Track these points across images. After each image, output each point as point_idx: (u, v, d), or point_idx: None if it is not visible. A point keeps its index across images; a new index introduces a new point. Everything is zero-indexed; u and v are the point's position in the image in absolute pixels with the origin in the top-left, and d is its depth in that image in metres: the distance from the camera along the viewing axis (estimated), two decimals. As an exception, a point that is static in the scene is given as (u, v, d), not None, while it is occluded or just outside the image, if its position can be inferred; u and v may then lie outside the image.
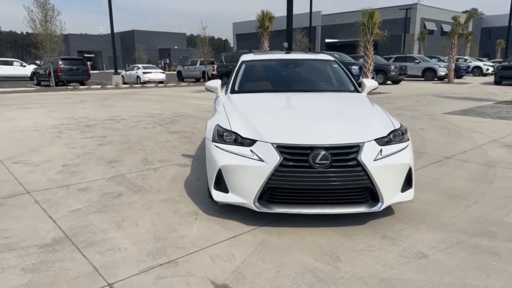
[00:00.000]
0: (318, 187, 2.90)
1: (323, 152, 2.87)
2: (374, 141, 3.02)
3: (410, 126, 7.33)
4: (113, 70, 25.71)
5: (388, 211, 3.40)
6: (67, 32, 64.21)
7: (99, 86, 21.42)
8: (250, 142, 3.05)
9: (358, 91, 4.35)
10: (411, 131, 4.43)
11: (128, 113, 10.10)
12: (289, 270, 2.48)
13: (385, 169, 2.96)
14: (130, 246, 2.79)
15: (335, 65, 4.82)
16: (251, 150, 3.00)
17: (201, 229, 3.09)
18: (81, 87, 20.83)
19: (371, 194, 3.00)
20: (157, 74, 25.03)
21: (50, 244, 2.81)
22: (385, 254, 2.68)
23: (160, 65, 48.14)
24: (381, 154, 2.99)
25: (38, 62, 30.90)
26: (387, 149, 3.05)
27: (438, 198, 3.78)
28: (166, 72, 30.27)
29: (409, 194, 3.20)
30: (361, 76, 16.78)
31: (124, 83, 25.69)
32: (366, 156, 2.91)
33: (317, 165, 2.86)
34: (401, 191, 3.12)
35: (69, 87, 20.27)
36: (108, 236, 2.94)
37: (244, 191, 3.01)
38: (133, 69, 26.80)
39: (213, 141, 3.24)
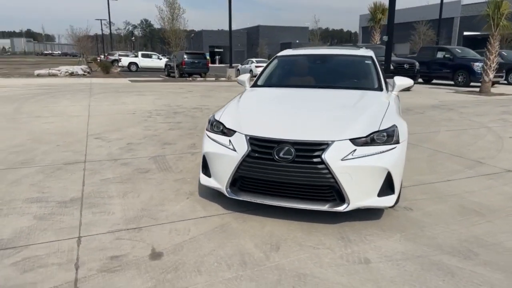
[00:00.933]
0: (281, 180, 2.98)
1: (287, 147, 2.94)
2: (348, 141, 2.94)
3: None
4: (238, 64, 27.67)
5: (375, 215, 3.25)
6: (202, 28, 71.20)
7: (213, 79, 23.40)
8: (232, 133, 3.28)
9: (381, 89, 4.11)
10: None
11: (217, 104, 10.99)
12: (223, 251, 2.68)
13: (353, 170, 2.87)
14: (118, 212, 3.32)
15: (368, 61, 4.59)
16: (229, 140, 3.23)
17: (184, 207, 3.46)
18: (199, 78, 23.09)
19: (337, 193, 2.94)
20: (268, 68, 26.07)
21: (66, 202, 3.53)
22: (327, 254, 2.65)
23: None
24: (352, 154, 2.90)
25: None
26: (364, 150, 2.93)
27: (448, 210, 3.41)
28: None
29: (389, 200, 3.01)
30: (481, 74, 14.79)
31: (241, 76, 27.51)
32: (332, 155, 2.87)
33: (280, 159, 2.94)
34: (377, 195, 2.96)
35: (188, 78, 22.67)
36: (109, 202, 3.54)
37: (220, 177, 3.27)
38: (247, 63, 28.43)
39: (206, 129, 3.57)
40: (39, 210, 3.34)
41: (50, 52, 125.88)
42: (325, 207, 2.97)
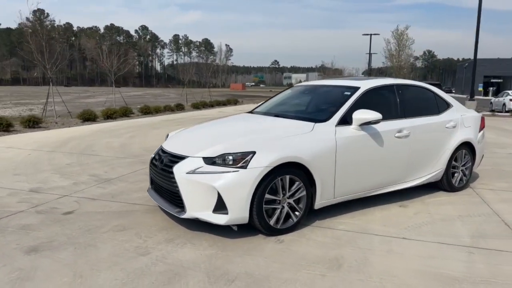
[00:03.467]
0: (159, 183, 3.78)
1: (164, 157, 3.74)
2: (200, 158, 3.41)
3: None
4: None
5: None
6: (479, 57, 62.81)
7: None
8: None
9: (323, 121, 3.88)
10: None
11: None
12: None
13: (191, 184, 3.31)
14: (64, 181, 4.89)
15: (348, 93, 4.24)
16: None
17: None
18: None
19: (180, 201, 3.43)
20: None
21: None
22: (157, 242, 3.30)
23: None
24: (196, 170, 3.34)
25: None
26: (209, 168, 3.33)
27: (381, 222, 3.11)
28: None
29: (221, 218, 3.24)
30: None
31: (492, 110, 23.58)
32: (181, 168, 3.43)
33: (158, 165, 3.77)
34: (212, 211, 3.27)
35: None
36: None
37: None
38: (502, 95, 23.96)
39: None
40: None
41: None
42: (174, 211, 3.52)
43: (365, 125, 3.95)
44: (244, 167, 3.25)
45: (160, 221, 3.76)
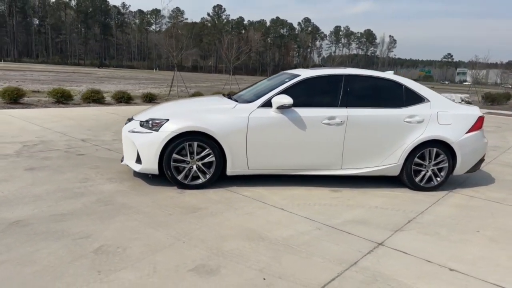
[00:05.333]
0: None
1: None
2: (138, 121, 4.47)
3: None
4: None
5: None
6: None
7: None
8: None
9: (249, 103, 4.59)
10: None
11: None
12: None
13: (127, 139, 4.44)
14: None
15: (287, 80, 4.72)
16: None
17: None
18: None
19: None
20: None
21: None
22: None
23: None
24: (133, 130, 4.44)
25: None
26: (139, 129, 4.38)
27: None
28: None
29: (138, 167, 4.34)
30: None
31: None
32: (126, 127, 4.52)
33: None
34: (135, 161, 4.36)
35: None
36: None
37: None
38: None
39: None
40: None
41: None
42: (121, 159, 4.74)
43: (284, 108, 4.39)
44: (157, 130, 4.25)
45: (127, 168, 5.02)
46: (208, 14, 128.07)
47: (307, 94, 4.63)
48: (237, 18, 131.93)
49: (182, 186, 4.35)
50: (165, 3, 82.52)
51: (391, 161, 4.70)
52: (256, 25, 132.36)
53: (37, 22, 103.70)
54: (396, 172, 4.77)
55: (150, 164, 4.28)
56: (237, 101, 4.70)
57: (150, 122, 4.36)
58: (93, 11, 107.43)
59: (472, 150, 4.89)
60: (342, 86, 4.67)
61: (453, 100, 24.22)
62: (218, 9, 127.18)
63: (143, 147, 4.28)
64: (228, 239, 3.18)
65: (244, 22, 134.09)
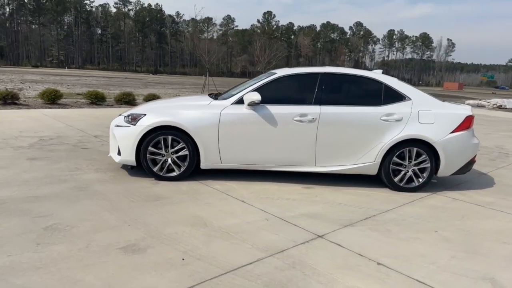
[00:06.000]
0: None
1: None
2: (123, 116, 4.85)
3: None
4: None
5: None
6: None
7: None
8: None
9: (224, 99, 4.77)
10: None
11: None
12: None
13: (112, 133, 4.81)
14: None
15: (264, 78, 4.83)
16: None
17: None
18: None
19: None
20: None
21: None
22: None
23: None
24: (118, 124, 4.80)
25: None
26: (122, 123, 4.75)
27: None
28: None
29: (118, 158, 4.67)
30: None
31: None
32: (113, 122, 4.88)
33: None
34: (117, 153, 4.70)
35: None
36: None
37: None
38: None
39: None
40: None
41: None
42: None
43: (255, 105, 4.51)
44: (134, 124, 4.56)
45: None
46: (258, 21, 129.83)
47: (282, 92, 4.72)
48: (287, 24, 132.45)
49: (158, 177, 4.61)
50: (198, 10, 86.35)
51: (367, 160, 4.63)
52: (306, 30, 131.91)
53: (99, 32, 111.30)
54: (373, 171, 4.69)
55: (128, 156, 4.60)
56: (217, 99, 4.89)
57: (130, 116, 4.68)
58: (150, 21, 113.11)
59: (458, 151, 4.68)
60: (317, 84, 4.70)
61: (505, 106, 22.74)
62: (268, 15, 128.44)
63: (122, 140, 4.61)
64: (172, 224, 3.37)
65: (294, 28, 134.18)
